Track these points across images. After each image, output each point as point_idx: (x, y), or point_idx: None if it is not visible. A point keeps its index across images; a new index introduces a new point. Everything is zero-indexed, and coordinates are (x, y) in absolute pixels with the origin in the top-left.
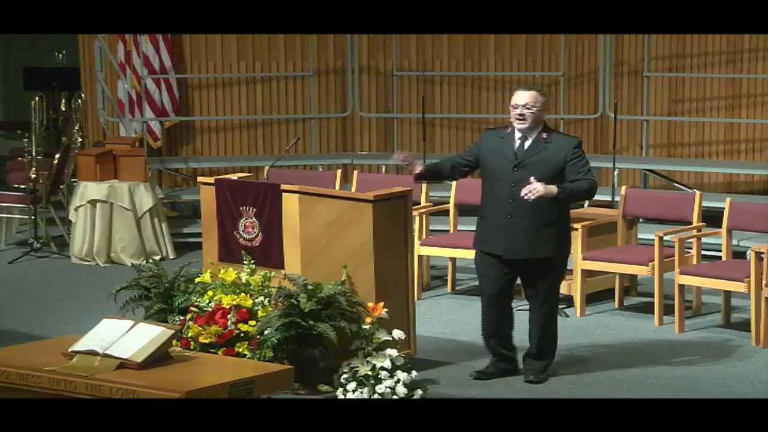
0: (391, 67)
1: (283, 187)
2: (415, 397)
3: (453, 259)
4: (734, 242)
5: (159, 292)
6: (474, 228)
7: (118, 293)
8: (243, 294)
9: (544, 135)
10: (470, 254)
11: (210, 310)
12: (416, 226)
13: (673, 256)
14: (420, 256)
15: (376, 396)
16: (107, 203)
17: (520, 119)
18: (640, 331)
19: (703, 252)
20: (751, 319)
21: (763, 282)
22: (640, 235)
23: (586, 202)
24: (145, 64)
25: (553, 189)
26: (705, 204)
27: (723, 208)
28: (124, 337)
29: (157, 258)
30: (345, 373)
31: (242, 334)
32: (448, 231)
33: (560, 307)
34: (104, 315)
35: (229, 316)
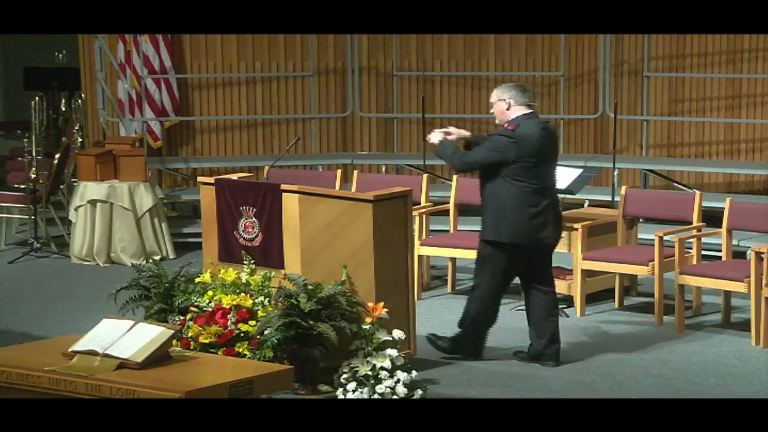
0: (391, 67)
1: (283, 187)
2: (415, 397)
3: (453, 259)
4: (734, 242)
5: (159, 292)
6: (474, 228)
7: (118, 293)
8: (243, 294)
9: (509, 128)
10: (470, 254)
11: (210, 310)
12: (416, 226)
13: (673, 256)
14: (420, 256)
15: (376, 396)
16: (107, 203)
17: None
18: (640, 331)
19: (703, 252)
20: (751, 319)
21: (763, 282)
22: (640, 235)
23: (586, 202)
24: (145, 64)
25: (437, 138)
26: (705, 204)
27: (723, 208)
28: (124, 337)
29: (157, 258)
30: (345, 373)
31: (242, 334)
32: (448, 231)
33: (560, 307)
34: (104, 315)
35: (229, 316)
